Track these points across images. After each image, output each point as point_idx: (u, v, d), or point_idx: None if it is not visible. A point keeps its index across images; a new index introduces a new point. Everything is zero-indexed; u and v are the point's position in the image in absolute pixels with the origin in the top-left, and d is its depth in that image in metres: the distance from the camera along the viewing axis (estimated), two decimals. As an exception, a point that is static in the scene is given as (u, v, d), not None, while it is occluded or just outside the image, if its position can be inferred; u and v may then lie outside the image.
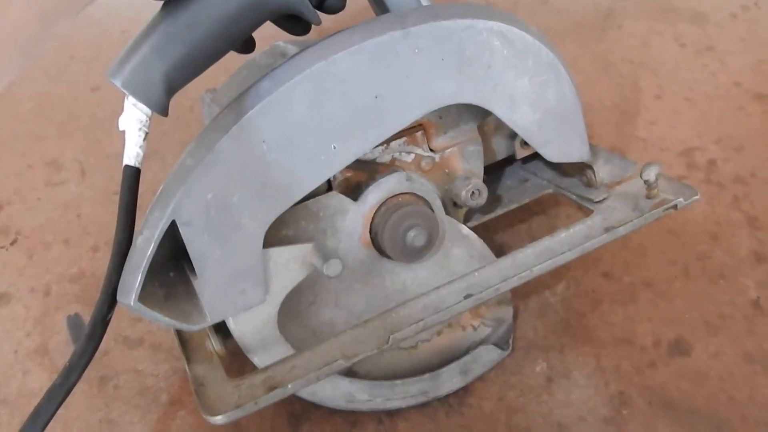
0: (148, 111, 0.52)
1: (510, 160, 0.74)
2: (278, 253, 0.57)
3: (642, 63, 1.09)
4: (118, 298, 0.53)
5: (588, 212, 0.67)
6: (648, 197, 0.65)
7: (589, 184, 0.70)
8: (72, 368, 0.52)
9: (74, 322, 0.76)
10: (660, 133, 0.96)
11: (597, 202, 0.68)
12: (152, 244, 0.51)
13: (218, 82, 0.75)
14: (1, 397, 0.70)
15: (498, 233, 0.82)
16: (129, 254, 0.52)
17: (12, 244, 0.87)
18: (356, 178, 0.62)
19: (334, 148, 0.54)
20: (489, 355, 0.68)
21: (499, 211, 0.73)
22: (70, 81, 1.16)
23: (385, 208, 0.61)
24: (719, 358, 0.69)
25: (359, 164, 0.61)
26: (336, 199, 0.60)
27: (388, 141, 0.63)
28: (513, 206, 0.74)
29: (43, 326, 0.77)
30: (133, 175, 0.53)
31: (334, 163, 0.55)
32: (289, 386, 0.54)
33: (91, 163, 0.99)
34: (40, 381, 0.71)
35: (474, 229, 0.68)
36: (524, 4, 1.25)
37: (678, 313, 0.73)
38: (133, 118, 0.52)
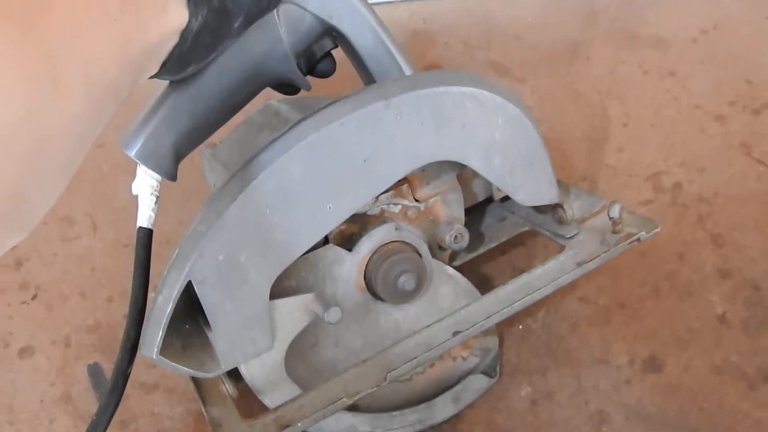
0: (159, 177, 0.58)
1: (489, 199, 0.80)
2: (283, 304, 0.63)
3: (609, 92, 1.13)
4: (141, 351, 0.57)
5: (562, 247, 0.73)
6: (614, 232, 0.71)
7: (561, 221, 0.75)
8: (98, 422, 0.57)
9: (94, 370, 0.81)
10: (628, 160, 1.00)
11: (569, 238, 0.74)
12: (171, 303, 0.56)
13: (216, 137, 0.81)
14: (30, 445, 0.75)
15: (481, 265, 0.87)
16: (149, 311, 0.58)
17: (33, 298, 0.92)
18: (350, 230, 0.68)
19: (330, 207, 0.60)
20: (478, 382, 0.74)
21: (481, 250, 0.79)
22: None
23: (377, 255, 0.67)
24: (689, 372, 0.74)
25: (352, 217, 0.66)
26: (333, 251, 0.66)
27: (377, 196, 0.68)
28: (493, 245, 0.79)
29: (65, 375, 0.82)
30: (146, 236, 0.58)
31: (330, 221, 0.61)
32: (299, 425, 0.59)
33: (101, 217, 1.03)
34: (66, 427, 0.76)
35: (459, 266, 0.74)
36: (498, 40, 1.30)
37: (650, 331, 0.78)
38: (145, 184, 0.57)
